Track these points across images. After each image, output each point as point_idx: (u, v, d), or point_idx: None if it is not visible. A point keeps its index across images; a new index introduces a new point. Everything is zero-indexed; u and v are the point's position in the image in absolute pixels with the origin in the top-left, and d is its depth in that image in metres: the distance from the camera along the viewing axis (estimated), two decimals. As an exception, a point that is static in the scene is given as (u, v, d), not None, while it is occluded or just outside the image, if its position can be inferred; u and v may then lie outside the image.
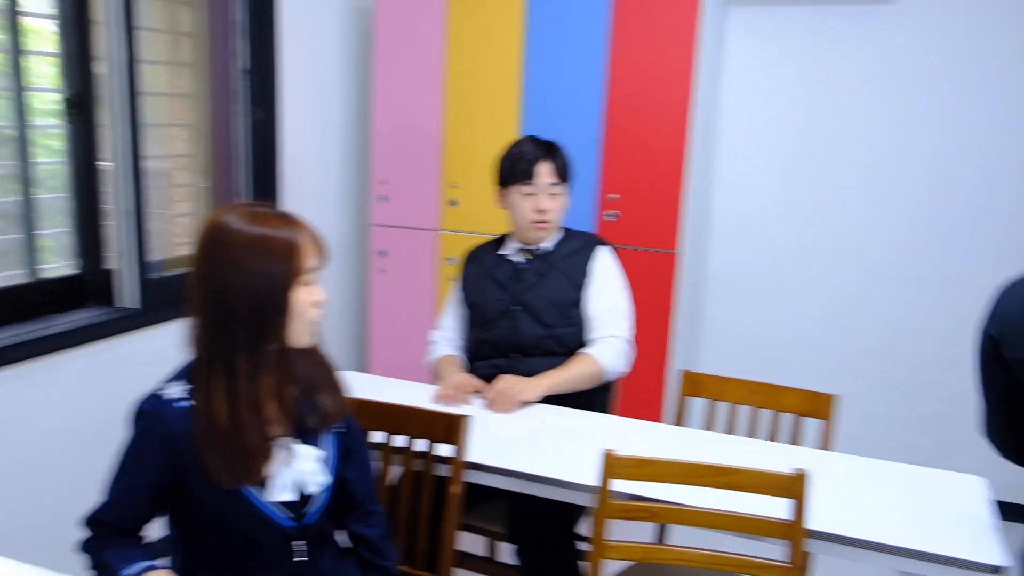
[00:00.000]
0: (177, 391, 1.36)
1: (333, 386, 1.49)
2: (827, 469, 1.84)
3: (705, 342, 3.56)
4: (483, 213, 3.17)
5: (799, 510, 1.53)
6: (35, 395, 2.29)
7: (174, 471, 1.35)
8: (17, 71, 2.27)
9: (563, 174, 2.28)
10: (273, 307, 1.35)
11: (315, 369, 1.47)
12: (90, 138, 2.47)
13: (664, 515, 1.64)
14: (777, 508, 1.55)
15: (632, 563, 1.93)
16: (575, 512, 2.05)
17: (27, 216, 2.34)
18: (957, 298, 3.16)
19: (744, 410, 2.26)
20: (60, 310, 2.45)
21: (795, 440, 2.18)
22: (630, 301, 2.35)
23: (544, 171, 2.25)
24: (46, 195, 2.40)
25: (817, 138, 3.28)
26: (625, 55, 3.00)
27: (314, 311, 1.40)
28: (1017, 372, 1.42)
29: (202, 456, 1.33)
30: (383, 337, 3.53)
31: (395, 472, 1.90)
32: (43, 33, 2.36)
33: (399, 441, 1.88)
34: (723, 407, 2.27)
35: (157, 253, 2.70)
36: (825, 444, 2.15)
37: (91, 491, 1.46)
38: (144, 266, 2.61)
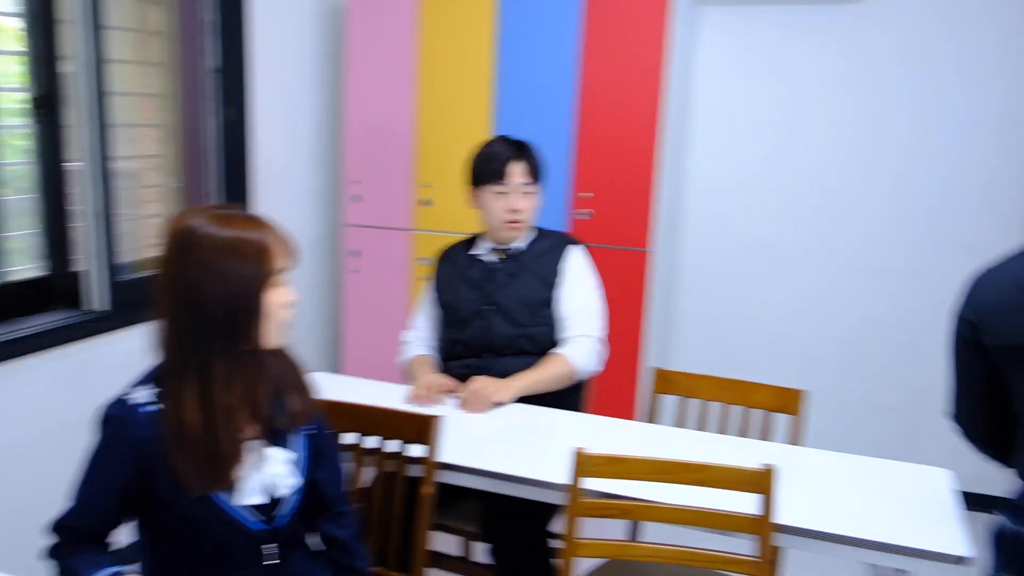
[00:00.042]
0: (144, 395, 1.35)
1: (301, 387, 1.49)
2: (796, 464, 1.86)
3: (678, 339, 3.59)
4: (456, 213, 3.17)
5: (767, 505, 1.55)
6: (1, 400, 2.25)
7: (141, 476, 1.34)
8: (-19, 71, 2.24)
9: (535, 173, 2.29)
10: (247, 309, 1.34)
11: (283, 370, 1.46)
12: (58, 138, 2.44)
13: (635, 512, 1.66)
14: (747, 503, 1.57)
15: (604, 560, 1.94)
16: (548, 511, 2.06)
17: (-7, 218, 2.31)
18: (924, 292, 3.21)
19: (715, 407, 2.28)
20: (27, 313, 2.42)
21: (765, 436, 2.20)
22: (602, 300, 2.36)
23: (516, 171, 2.25)
24: (13, 196, 2.37)
25: (787, 135, 3.32)
26: (597, 54, 3.02)
27: (285, 312, 1.40)
28: (995, 358, 1.44)
29: (172, 461, 1.32)
30: (357, 337, 3.52)
31: (368, 473, 1.90)
32: (9, 31, 2.33)
33: (371, 442, 1.88)
34: (694, 404, 2.29)
35: (127, 255, 2.67)
36: (795, 439, 2.18)
37: (58, 497, 1.44)
38: (113, 268, 2.58)
